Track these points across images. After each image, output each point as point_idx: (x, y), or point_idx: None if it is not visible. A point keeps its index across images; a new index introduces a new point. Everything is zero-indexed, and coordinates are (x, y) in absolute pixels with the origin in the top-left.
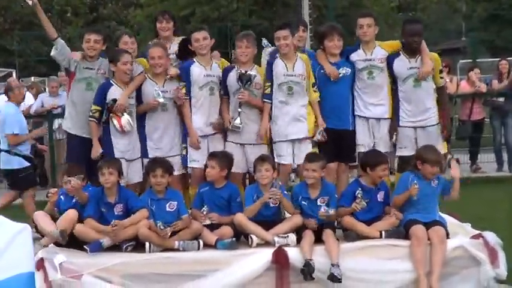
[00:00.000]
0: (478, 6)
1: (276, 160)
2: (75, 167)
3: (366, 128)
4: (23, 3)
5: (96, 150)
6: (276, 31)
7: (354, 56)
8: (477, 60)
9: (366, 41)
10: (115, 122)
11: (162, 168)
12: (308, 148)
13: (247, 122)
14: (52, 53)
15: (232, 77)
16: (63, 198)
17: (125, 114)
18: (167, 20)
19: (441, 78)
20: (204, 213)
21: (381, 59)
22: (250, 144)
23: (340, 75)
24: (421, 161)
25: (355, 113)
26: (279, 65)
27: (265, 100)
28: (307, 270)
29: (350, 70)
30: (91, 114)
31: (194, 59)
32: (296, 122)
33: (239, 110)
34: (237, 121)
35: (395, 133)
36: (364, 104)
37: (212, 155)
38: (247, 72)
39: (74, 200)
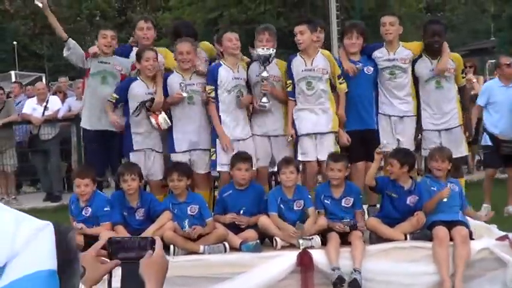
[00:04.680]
0: (506, 6)
1: (300, 159)
2: (85, 169)
3: (389, 126)
4: (53, 7)
5: (116, 118)
6: (295, 26)
7: (376, 54)
8: None
9: (389, 40)
10: (152, 120)
11: (177, 172)
12: (330, 143)
13: (270, 114)
14: (65, 54)
15: (252, 69)
16: (73, 208)
17: (162, 112)
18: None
19: (463, 78)
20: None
21: (404, 59)
22: (274, 135)
23: (358, 67)
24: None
25: (379, 112)
26: (297, 61)
27: (289, 98)
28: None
29: (372, 69)
30: (109, 99)
31: (221, 62)
32: (318, 116)
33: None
34: (264, 99)
35: (420, 134)
36: (387, 102)
37: (243, 158)
38: (264, 52)
39: (83, 209)
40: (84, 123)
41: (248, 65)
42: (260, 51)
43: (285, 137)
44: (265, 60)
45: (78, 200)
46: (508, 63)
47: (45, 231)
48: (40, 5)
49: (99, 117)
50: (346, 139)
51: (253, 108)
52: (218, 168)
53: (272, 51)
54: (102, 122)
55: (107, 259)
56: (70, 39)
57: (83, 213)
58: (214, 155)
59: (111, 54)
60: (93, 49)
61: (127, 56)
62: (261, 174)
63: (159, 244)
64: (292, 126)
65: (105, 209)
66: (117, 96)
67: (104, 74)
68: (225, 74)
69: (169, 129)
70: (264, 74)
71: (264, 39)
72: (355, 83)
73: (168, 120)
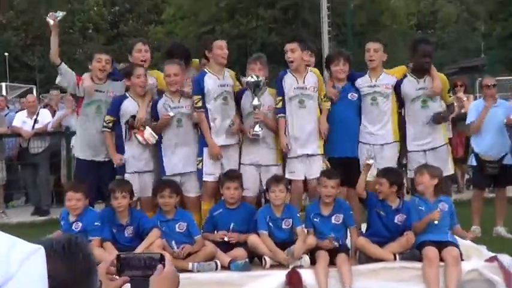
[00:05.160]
0: (496, 25)
1: (287, 177)
2: (78, 183)
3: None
4: (45, 18)
5: (118, 157)
6: (286, 44)
7: (359, 81)
8: (496, 78)
9: (372, 67)
10: (138, 137)
11: (169, 188)
12: (319, 163)
13: (261, 143)
14: (57, 81)
15: (245, 99)
16: (63, 224)
17: (146, 127)
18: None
19: (450, 96)
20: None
21: (386, 86)
22: (265, 165)
23: (339, 90)
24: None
25: (359, 140)
26: (289, 78)
27: (279, 115)
28: None
29: (357, 95)
30: (105, 124)
31: (206, 70)
32: (308, 137)
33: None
34: (257, 128)
35: (405, 157)
36: (368, 131)
37: (234, 176)
38: (253, 79)
39: (73, 223)
40: (77, 153)
41: (238, 91)
42: (249, 78)
43: (275, 167)
44: (255, 87)
45: (68, 215)
46: (489, 84)
47: (37, 255)
48: (51, 22)
49: (92, 148)
50: (326, 165)
51: (243, 138)
52: (204, 178)
53: (262, 78)
54: (95, 153)
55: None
56: (63, 64)
57: (73, 227)
58: (201, 164)
59: (105, 79)
60: (86, 80)
61: (120, 78)
62: (248, 202)
63: (169, 260)
64: (285, 137)
65: (96, 223)
66: (113, 118)
67: (98, 104)
68: (211, 82)
69: (160, 152)
70: (255, 102)
71: (256, 68)
72: (339, 109)
73: (155, 134)
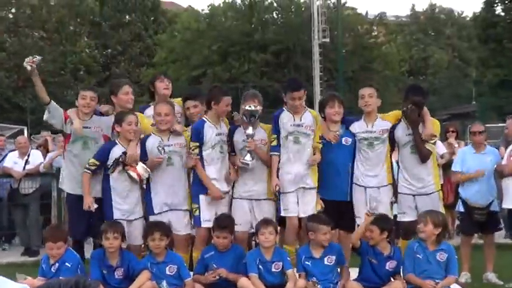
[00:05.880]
0: (488, 71)
1: (282, 214)
2: (56, 232)
3: (363, 198)
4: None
5: (90, 201)
6: (293, 92)
7: (355, 127)
8: (487, 125)
9: (367, 111)
10: (132, 173)
11: (160, 231)
12: (313, 198)
13: (253, 177)
14: (45, 117)
15: (238, 134)
16: (44, 267)
17: (139, 163)
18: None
19: (433, 143)
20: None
21: (382, 131)
22: (257, 199)
23: (338, 133)
24: None
25: (354, 182)
26: (285, 116)
27: (273, 153)
28: None
29: (351, 140)
30: (87, 166)
31: (205, 119)
32: (302, 174)
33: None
34: (248, 157)
35: (395, 197)
36: (363, 174)
37: (224, 226)
38: (251, 108)
39: (52, 266)
40: (65, 187)
41: (232, 126)
42: (248, 107)
43: (267, 201)
44: (251, 116)
45: (49, 259)
46: (477, 131)
47: None
48: (29, 68)
49: (79, 182)
50: (320, 205)
51: (237, 171)
52: (203, 225)
53: (259, 108)
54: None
55: None
56: (52, 102)
57: (52, 269)
58: (198, 211)
59: (91, 115)
60: (75, 121)
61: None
62: (240, 238)
63: None
64: (276, 178)
65: (66, 263)
66: (98, 163)
67: (85, 140)
68: (210, 131)
69: (148, 190)
70: (249, 131)
71: (252, 105)
72: (333, 153)
73: (148, 168)
